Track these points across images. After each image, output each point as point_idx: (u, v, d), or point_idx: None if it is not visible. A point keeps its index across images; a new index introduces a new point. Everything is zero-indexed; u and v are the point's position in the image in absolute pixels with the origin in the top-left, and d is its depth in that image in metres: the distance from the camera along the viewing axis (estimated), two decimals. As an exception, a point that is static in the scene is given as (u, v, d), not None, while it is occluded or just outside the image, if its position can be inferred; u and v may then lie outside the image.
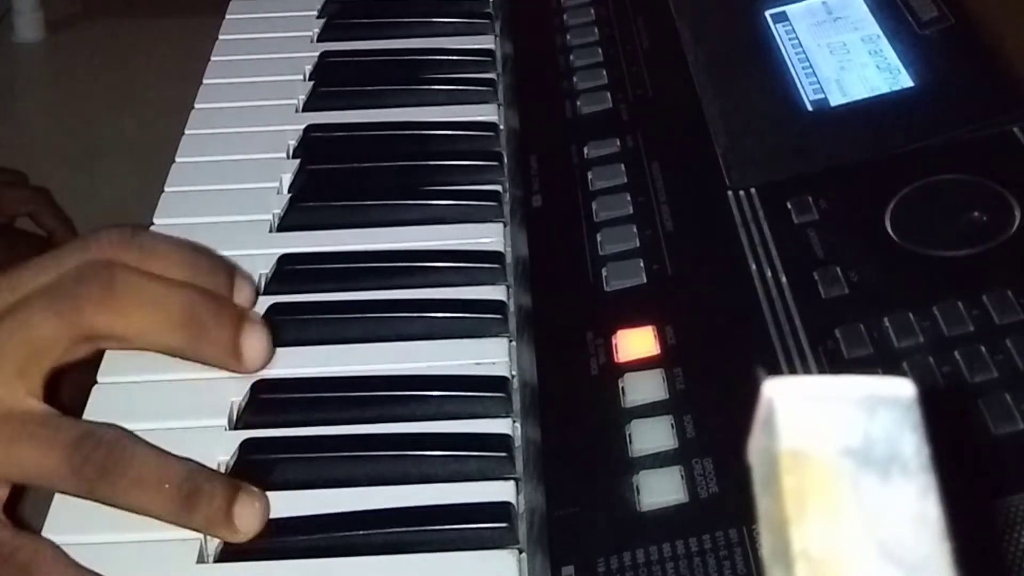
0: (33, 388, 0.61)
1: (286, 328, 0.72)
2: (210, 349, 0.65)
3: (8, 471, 0.60)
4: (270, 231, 0.80)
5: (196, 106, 0.94)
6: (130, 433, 0.60)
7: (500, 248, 0.77)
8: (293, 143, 0.88)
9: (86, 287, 0.61)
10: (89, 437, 0.59)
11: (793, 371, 0.63)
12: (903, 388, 0.28)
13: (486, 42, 0.98)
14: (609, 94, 0.89)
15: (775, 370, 0.63)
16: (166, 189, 0.84)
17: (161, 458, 0.60)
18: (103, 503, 0.59)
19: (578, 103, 0.89)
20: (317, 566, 0.59)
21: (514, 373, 0.69)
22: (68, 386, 1.04)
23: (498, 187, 0.83)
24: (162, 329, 0.63)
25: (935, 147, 0.74)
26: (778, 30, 0.88)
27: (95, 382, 0.69)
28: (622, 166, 0.81)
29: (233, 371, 0.66)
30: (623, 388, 0.65)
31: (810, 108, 0.80)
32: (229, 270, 0.68)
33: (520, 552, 0.59)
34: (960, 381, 0.60)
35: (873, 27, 0.84)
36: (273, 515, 0.61)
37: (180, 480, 0.59)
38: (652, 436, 0.62)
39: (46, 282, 0.62)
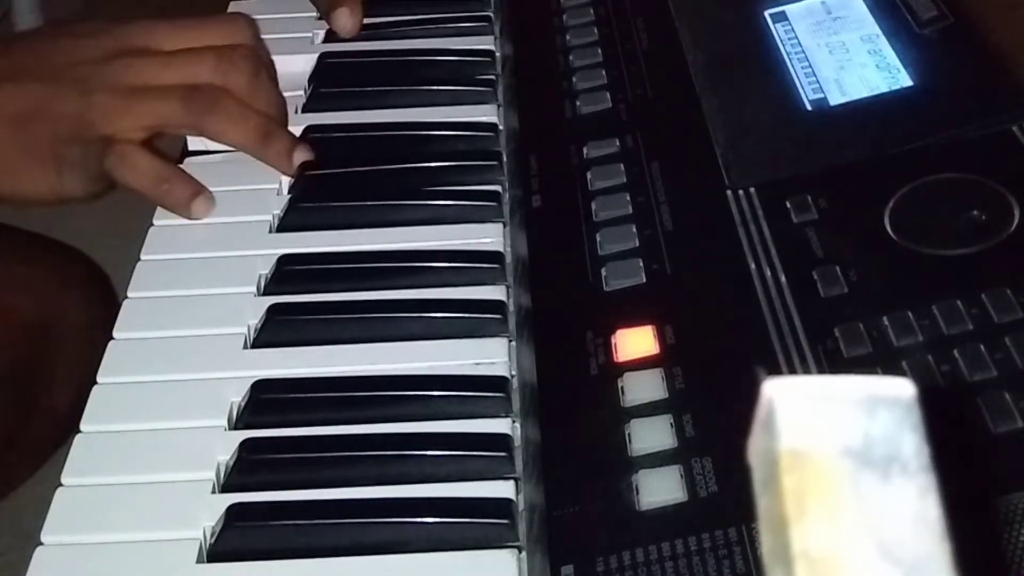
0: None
1: (286, 328, 0.72)
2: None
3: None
4: (270, 231, 0.80)
5: (196, 106, 0.93)
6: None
7: (500, 248, 0.77)
8: (293, 143, 0.88)
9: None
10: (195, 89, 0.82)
11: (793, 371, 0.63)
12: (903, 387, 0.28)
13: (486, 43, 0.98)
14: (609, 94, 0.89)
15: (775, 370, 0.63)
16: (166, 189, 0.84)
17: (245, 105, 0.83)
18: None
19: (578, 103, 0.89)
20: (317, 566, 0.59)
21: (514, 373, 0.69)
22: (68, 386, 1.04)
23: (498, 187, 0.83)
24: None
25: (934, 146, 0.74)
26: (777, 30, 0.87)
27: (95, 382, 0.69)
28: (622, 166, 0.81)
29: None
30: (622, 388, 0.65)
31: (809, 108, 0.80)
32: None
33: (520, 551, 0.59)
34: (959, 380, 0.60)
35: (872, 27, 0.84)
36: (273, 515, 0.61)
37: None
38: (651, 435, 0.62)
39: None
